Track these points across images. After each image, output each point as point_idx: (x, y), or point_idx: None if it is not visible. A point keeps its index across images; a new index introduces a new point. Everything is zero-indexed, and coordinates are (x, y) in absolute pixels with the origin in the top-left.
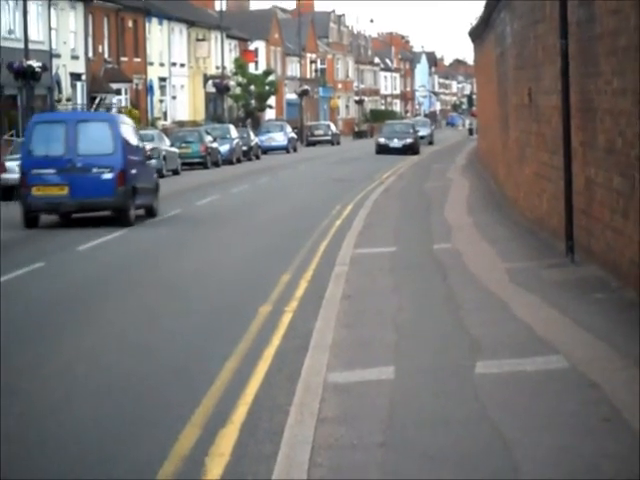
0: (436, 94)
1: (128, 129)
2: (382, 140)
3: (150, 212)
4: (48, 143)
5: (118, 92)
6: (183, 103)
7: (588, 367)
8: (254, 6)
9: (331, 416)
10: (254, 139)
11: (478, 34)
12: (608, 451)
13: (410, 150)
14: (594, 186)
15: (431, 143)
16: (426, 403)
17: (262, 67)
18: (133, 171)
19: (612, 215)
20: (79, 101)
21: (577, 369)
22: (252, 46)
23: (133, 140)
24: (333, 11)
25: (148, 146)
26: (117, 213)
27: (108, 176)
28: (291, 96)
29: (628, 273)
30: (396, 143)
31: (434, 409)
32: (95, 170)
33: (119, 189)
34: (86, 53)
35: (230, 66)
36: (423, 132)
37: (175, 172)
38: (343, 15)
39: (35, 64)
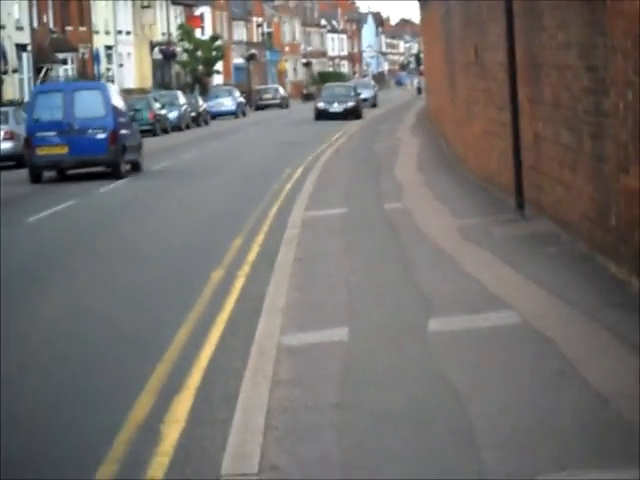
0: (384, 54)
1: (116, 95)
2: (321, 105)
3: (136, 167)
4: (49, 110)
5: (64, 62)
6: (130, 71)
7: (541, 322)
8: None
9: (285, 379)
10: (202, 105)
11: None
12: (562, 405)
13: (352, 114)
14: (542, 141)
15: (375, 105)
16: (380, 363)
17: (208, 32)
18: (123, 131)
19: (561, 170)
20: (25, 72)
21: (530, 324)
22: (198, 11)
23: (120, 105)
24: None
25: None
26: (110, 168)
27: (102, 136)
28: (238, 61)
29: (579, 227)
30: (336, 107)
31: (388, 369)
32: (90, 131)
33: (111, 147)
34: (31, 23)
35: (176, 32)
36: (366, 94)
37: None
38: None
39: None
